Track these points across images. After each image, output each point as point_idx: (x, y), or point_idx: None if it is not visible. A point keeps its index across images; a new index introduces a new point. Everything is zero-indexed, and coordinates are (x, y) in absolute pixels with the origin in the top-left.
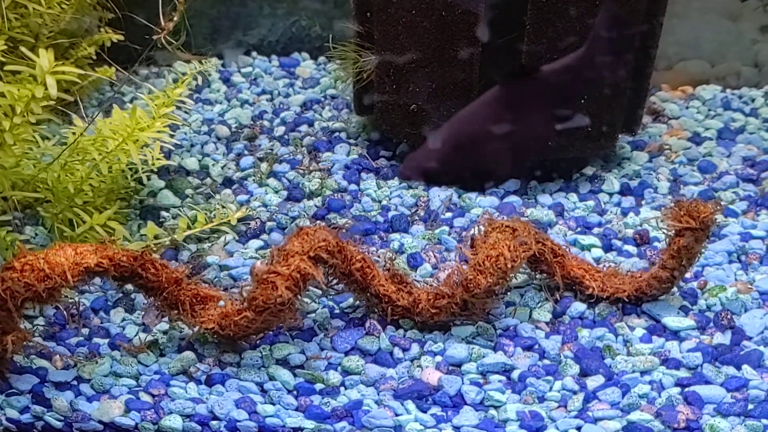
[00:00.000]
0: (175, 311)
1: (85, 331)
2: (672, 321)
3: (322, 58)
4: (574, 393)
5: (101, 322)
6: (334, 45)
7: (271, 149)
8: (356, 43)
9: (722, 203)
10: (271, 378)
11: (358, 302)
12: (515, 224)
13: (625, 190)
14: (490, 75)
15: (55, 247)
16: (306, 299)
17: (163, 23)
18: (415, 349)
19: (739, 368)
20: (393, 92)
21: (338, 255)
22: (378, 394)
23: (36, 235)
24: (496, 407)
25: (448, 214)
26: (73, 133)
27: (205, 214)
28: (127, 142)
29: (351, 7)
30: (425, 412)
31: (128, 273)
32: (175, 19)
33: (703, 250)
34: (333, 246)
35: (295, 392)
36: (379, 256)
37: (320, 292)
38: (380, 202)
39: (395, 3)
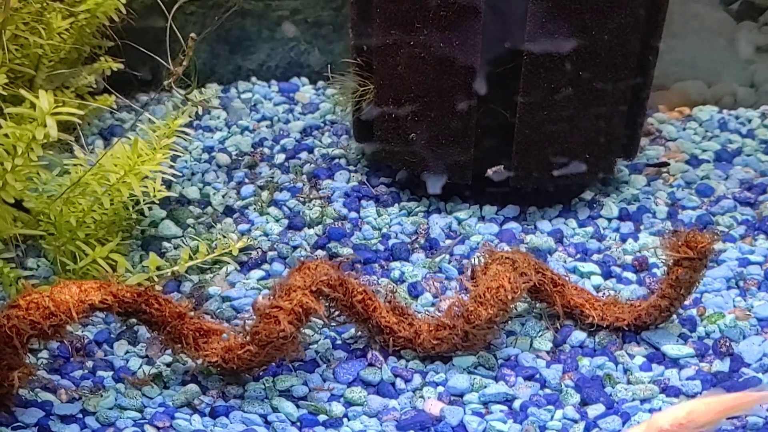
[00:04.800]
0: (179, 345)
1: (90, 364)
2: (671, 349)
3: (321, 83)
4: (575, 422)
5: (105, 355)
6: (333, 74)
7: (272, 177)
8: (355, 72)
9: (719, 231)
10: (275, 410)
11: (359, 333)
12: (515, 255)
13: (623, 215)
14: (488, 102)
15: (60, 284)
16: (308, 330)
17: (171, 68)
18: (417, 379)
19: None
20: (391, 120)
21: (340, 288)
22: (381, 425)
23: (38, 267)
24: None
25: (449, 242)
26: (75, 165)
27: (207, 244)
28: (129, 175)
29: (349, 36)
30: None
31: (132, 309)
32: (184, 63)
33: (701, 278)
34: (334, 280)
35: (298, 424)
36: (380, 286)
37: (322, 323)
38: (380, 230)
39: (393, 34)
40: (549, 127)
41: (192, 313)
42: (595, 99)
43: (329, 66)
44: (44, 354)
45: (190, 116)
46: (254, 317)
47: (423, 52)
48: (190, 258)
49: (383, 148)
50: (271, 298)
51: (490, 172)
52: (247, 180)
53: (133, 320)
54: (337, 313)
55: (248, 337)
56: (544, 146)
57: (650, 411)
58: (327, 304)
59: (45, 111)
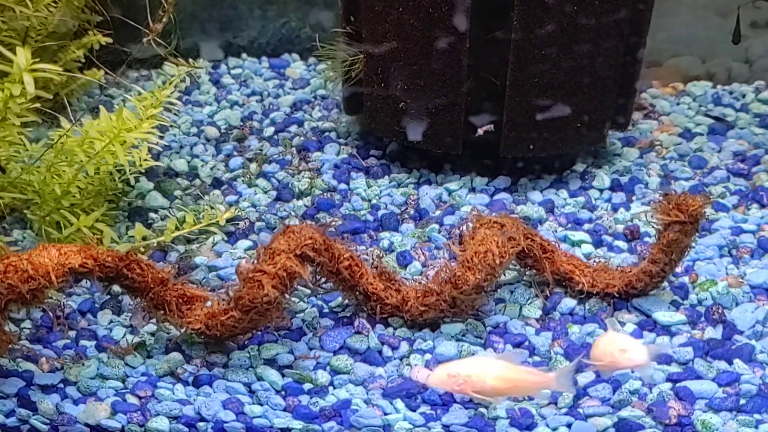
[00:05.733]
0: (162, 312)
1: (72, 333)
2: (663, 316)
3: (312, 59)
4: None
5: (88, 324)
6: (322, 44)
7: (261, 150)
8: (344, 43)
9: (711, 197)
10: (259, 378)
11: (347, 301)
12: (503, 220)
13: (615, 186)
14: (478, 70)
15: (39, 247)
16: (294, 298)
17: (151, 25)
18: (404, 347)
19: (730, 363)
20: (381, 91)
21: (325, 253)
22: (367, 393)
23: (24, 238)
24: (485, 405)
25: (438, 212)
26: (59, 135)
27: (194, 215)
28: (114, 143)
29: (338, 6)
30: (414, 410)
31: (113, 273)
32: (164, 20)
33: (693, 244)
34: (320, 244)
35: (283, 392)
36: (368, 255)
37: (309, 291)
38: (370, 201)
39: (382, 0)
40: (540, 95)
41: (175, 280)
42: (586, 66)
43: (317, 37)
44: (27, 323)
45: (180, 90)
46: (238, 283)
47: (412, 19)
48: (177, 228)
49: (373, 120)
50: (255, 262)
51: (480, 131)
52: (235, 153)
53: (117, 288)
54: (323, 280)
55: (232, 303)
56: (535, 113)
57: (641, 379)
58: (313, 270)
59: (22, 67)
